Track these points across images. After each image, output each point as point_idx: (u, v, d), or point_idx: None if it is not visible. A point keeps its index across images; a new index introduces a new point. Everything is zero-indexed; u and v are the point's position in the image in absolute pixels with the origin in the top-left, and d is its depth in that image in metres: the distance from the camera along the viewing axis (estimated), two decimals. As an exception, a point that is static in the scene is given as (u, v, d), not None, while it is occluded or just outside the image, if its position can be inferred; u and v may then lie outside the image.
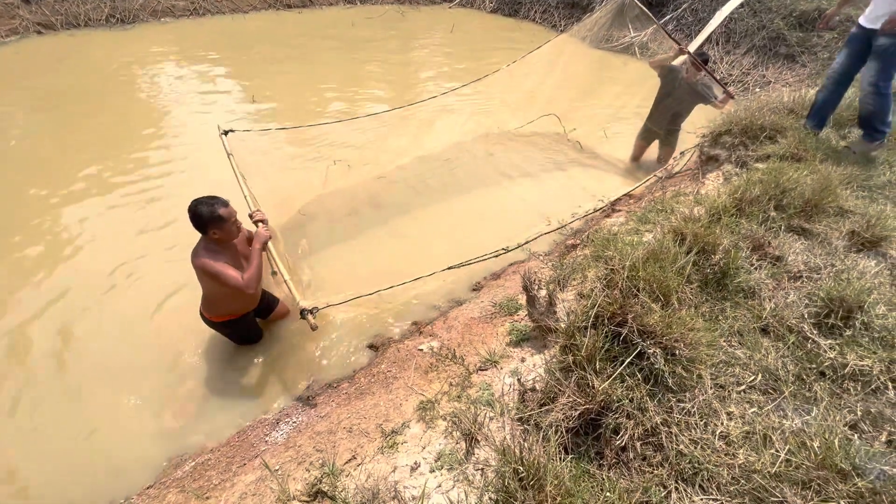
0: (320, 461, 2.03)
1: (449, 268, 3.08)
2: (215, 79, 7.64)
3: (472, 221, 4.41)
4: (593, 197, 4.10)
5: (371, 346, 3.17)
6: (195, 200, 2.46)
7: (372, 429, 2.17)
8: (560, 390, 1.55)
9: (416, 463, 1.79)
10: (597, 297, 1.79)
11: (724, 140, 3.57)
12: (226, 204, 2.52)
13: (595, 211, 3.43)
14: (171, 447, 2.59)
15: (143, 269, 3.67)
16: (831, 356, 1.66)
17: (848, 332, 1.75)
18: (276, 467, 2.13)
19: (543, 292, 2.26)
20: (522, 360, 2.25)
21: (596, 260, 2.28)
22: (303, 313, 2.48)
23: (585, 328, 1.73)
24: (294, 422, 2.56)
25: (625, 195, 4.01)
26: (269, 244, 2.76)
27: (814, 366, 1.68)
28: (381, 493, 1.64)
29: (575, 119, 6.14)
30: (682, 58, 4.49)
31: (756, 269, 2.14)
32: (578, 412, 1.44)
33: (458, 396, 2.15)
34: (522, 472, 1.24)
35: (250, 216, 2.90)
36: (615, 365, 1.58)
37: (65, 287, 3.50)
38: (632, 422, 1.42)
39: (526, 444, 1.32)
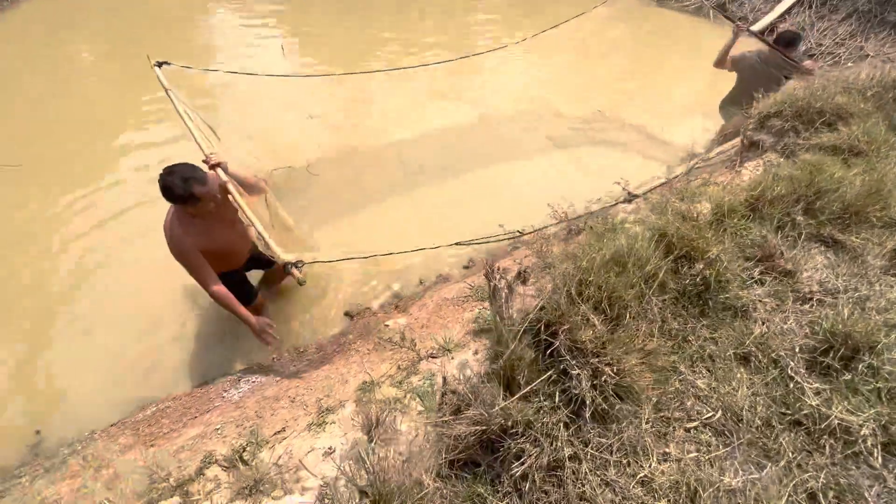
0: (252, 428, 2.02)
1: (456, 244, 2.89)
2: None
3: (490, 196, 4.14)
4: (619, 184, 3.71)
5: (347, 314, 3.11)
6: (167, 169, 2.17)
7: (312, 402, 2.12)
8: (472, 400, 1.38)
9: (331, 448, 1.72)
10: (544, 299, 1.57)
11: (772, 123, 3.03)
12: (203, 180, 2.20)
13: (613, 204, 3.08)
14: (148, 391, 2.72)
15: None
16: (813, 403, 1.37)
17: (846, 377, 1.43)
18: (218, 426, 2.16)
19: (503, 283, 2.04)
20: (475, 352, 2.09)
21: (568, 256, 2.02)
22: (286, 267, 2.27)
23: (528, 333, 1.53)
24: (254, 381, 2.58)
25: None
26: (234, 190, 2.44)
27: (790, 411, 1.39)
28: (281, 474, 1.59)
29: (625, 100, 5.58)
30: (748, 41, 3.84)
31: (755, 283, 1.80)
32: (480, 430, 1.28)
33: (400, 382, 2.03)
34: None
35: (205, 162, 2.46)
36: (545, 381, 1.38)
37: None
38: (537, 450, 1.23)
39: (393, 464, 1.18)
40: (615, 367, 1.27)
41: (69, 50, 6.65)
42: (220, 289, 2.41)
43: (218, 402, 2.46)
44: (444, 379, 1.63)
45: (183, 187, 2.16)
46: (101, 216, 3.77)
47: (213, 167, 2.44)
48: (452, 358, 2.09)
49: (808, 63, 3.93)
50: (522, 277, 1.99)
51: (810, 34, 6.95)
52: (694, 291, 1.67)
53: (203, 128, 3.01)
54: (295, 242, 3.30)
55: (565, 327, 1.37)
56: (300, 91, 5.47)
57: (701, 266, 1.65)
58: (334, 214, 3.89)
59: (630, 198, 3.50)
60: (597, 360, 1.31)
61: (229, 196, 2.42)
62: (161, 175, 2.18)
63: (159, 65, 3.29)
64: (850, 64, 6.43)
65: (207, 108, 5.34)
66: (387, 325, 2.67)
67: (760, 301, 1.72)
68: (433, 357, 2.15)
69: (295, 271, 2.24)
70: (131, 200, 3.88)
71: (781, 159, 2.92)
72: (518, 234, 3.13)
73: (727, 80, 4.29)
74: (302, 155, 4.43)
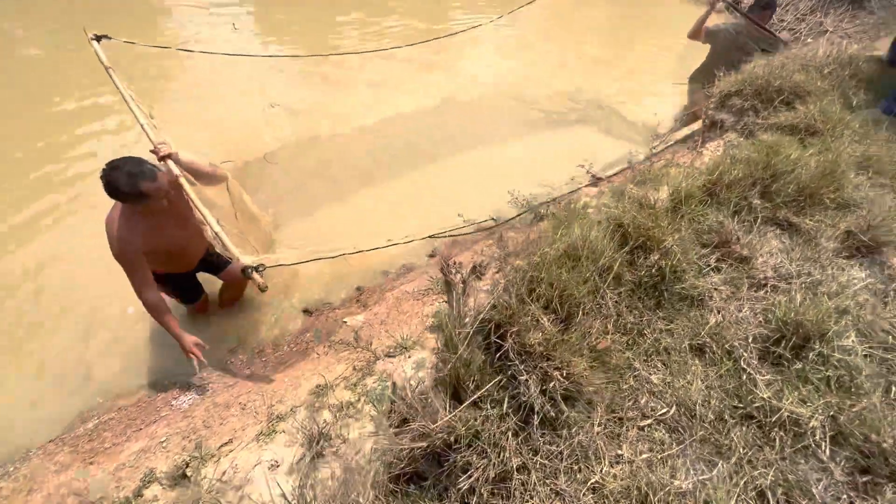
0: (198, 440, 1.90)
1: (430, 236, 2.78)
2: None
3: (462, 184, 4.02)
4: (583, 167, 3.65)
5: (306, 311, 2.99)
6: (111, 164, 1.94)
7: (263, 409, 2.01)
8: (418, 410, 1.30)
9: (277, 461, 1.62)
10: (496, 297, 1.49)
11: (732, 102, 3.00)
12: (152, 176, 1.97)
13: (576, 189, 3.01)
14: (88, 399, 2.55)
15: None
16: (765, 396, 1.35)
17: (797, 366, 1.41)
18: (163, 438, 2.03)
19: (458, 279, 1.96)
20: (434, 350, 2.01)
21: (523, 249, 1.94)
22: (245, 271, 2.04)
23: (479, 333, 1.45)
24: (203, 387, 2.44)
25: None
26: (187, 186, 2.22)
27: (742, 405, 1.37)
28: (223, 492, 1.49)
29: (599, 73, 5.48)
30: (721, 15, 3.79)
31: (712, 271, 1.77)
32: (424, 445, 1.20)
33: (355, 385, 1.95)
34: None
35: (153, 152, 2.22)
36: (494, 386, 1.31)
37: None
38: (484, 462, 1.17)
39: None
40: (564, 371, 1.21)
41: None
42: (155, 297, 2.23)
43: (165, 412, 2.32)
44: (394, 385, 1.55)
45: (129, 184, 1.93)
46: (35, 211, 3.48)
47: (162, 159, 2.20)
48: (409, 357, 2.01)
49: (784, 34, 3.91)
50: (478, 273, 1.91)
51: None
52: (650, 283, 1.63)
53: (139, 114, 2.65)
54: (261, 236, 3.13)
55: (514, 329, 1.30)
56: (261, 75, 5.16)
57: (656, 257, 1.60)
58: (299, 210, 3.70)
59: (594, 181, 3.47)
60: (546, 363, 1.24)
61: (183, 191, 2.20)
62: (104, 170, 1.94)
63: (97, 38, 2.92)
64: (809, 39, 6.50)
65: (153, 92, 5.00)
66: (345, 322, 2.56)
67: (716, 289, 1.69)
68: (390, 357, 2.06)
69: (256, 276, 2.03)
70: (67, 196, 3.60)
71: (741, 139, 2.91)
72: (492, 221, 3.05)
73: (699, 55, 4.25)
74: (262, 146, 4.20)
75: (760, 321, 1.58)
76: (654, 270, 1.62)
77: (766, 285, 1.71)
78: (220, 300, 2.94)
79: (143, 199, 2.01)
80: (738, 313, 1.62)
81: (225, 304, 2.95)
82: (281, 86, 5.13)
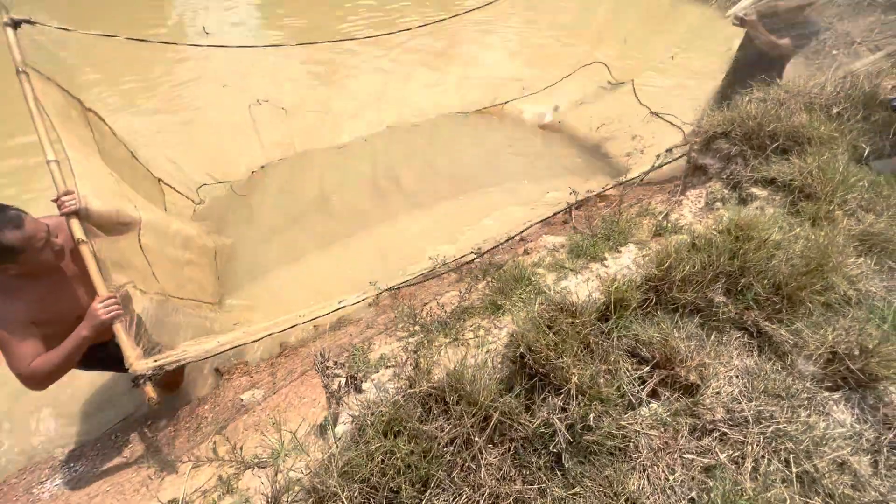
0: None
1: (389, 289, 2.38)
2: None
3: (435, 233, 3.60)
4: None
5: (217, 371, 2.65)
6: None
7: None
8: None
9: None
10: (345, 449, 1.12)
11: (718, 146, 2.53)
12: (18, 222, 1.61)
13: (507, 240, 2.60)
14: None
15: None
16: None
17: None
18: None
19: (342, 378, 1.58)
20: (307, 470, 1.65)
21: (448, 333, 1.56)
22: (136, 382, 1.67)
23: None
24: (76, 470, 2.13)
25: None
26: (89, 255, 1.80)
27: None
28: None
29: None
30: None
31: (644, 401, 1.36)
32: None
33: (212, 505, 1.60)
34: None
35: (56, 202, 1.86)
36: None
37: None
38: None
39: None
40: None
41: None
42: (38, 363, 1.73)
43: (27, 499, 2.03)
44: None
45: None
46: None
47: (66, 217, 1.83)
48: (280, 471, 1.66)
49: (785, 41, 3.39)
50: (355, 384, 1.52)
51: (794, 17, 6.32)
52: (549, 433, 1.22)
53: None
54: (203, 278, 2.80)
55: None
56: (247, 68, 4.73)
57: (558, 401, 1.19)
58: (273, 259, 3.32)
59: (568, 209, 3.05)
60: None
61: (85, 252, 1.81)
62: None
63: (15, 24, 2.12)
64: (834, 52, 5.88)
65: (108, 96, 4.64)
66: (241, 400, 2.22)
67: (645, 434, 1.28)
68: (260, 467, 1.71)
69: (147, 389, 1.65)
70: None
71: (727, 191, 2.46)
72: (445, 266, 2.66)
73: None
74: (242, 161, 3.85)
75: (696, 494, 1.17)
76: (557, 416, 1.22)
77: (712, 431, 1.29)
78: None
79: (12, 256, 1.62)
80: (669, 477, 1.21)
81: (169, 387, 2.45)
82: (270, 80, 4.70)
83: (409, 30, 3.86)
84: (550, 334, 1.30)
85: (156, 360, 1.61)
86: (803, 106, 2.49)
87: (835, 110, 2.46)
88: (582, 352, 1.32)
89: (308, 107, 4.41)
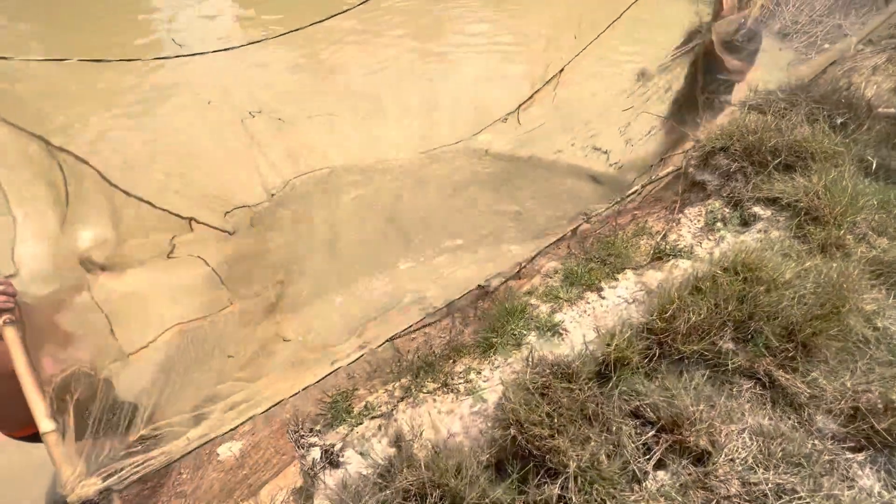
0: None
1: (387, 340, 2.20)
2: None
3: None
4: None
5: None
6: None
7: None
8: None
9: None
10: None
11: (717, 161, 2.40)
12: None
13: (519, 270, 2.44)
14: None
15: None
16: None
17: None
18: None
19: (316, 452, 1.44)
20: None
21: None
22: None
23: None
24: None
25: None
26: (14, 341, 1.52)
27: None
28: None
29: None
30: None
31: (652, 471, 1.22)
32: None
33: None
34: None
35: None
36: None
37: None
38: None
39: None
40: None
41: None
42: None
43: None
44: None
45: None
46: None
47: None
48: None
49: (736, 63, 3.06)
50: (330, 458, 1.38)
51: (784, 10, 6.21)
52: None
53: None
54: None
55: None
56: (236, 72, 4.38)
57: (556, 489, 1.06)
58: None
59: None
60: None
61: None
62: None
63: None
64: (826, 46, 5.76)
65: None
66: (217, 456, 2.07)
67: (653, 515, 1.15)
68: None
69: None
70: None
71: (727, 209, 2.33)
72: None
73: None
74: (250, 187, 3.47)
75: (712, 591, 1.03)
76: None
77: (729, 508, 1.16)
78: None
79: None
80: (682, 568, 1.08)
81: None
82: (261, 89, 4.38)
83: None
84: (544, 404, 1.16)
85: (104, 479, 1.37)
86: (805, 117, 2.36)
87: (839, 121, 2.33)
88: (580, 421, 1.18)
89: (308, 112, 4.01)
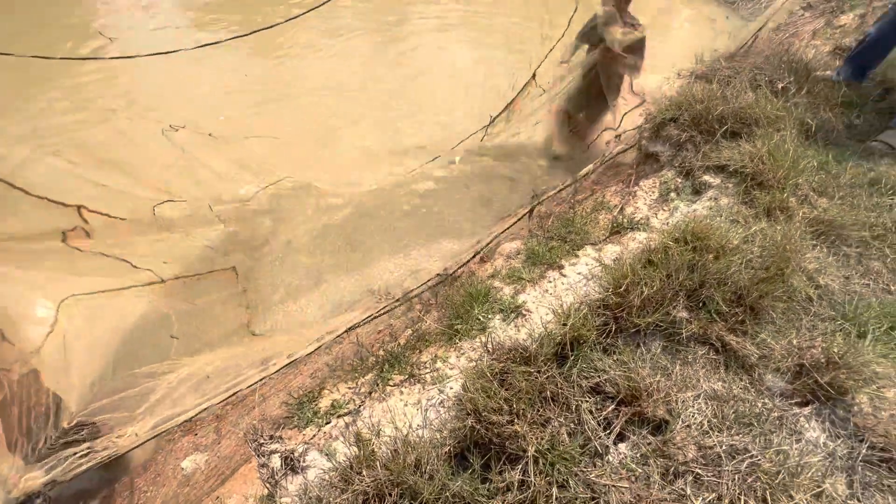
0: None
1: (346, 330, 2.14)
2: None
3: None
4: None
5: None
6: None
7: None
8: None
9: None
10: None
11: (668, 132, 2.43)
12: None
13: (475, 255, 2.42)
14: None
15: None
16: None
17: None
18: None
19: (276, 460, 1.39)
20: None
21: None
22: None
23: None
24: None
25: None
26: None
27: None
28: None
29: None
30: None
31: (613, 443, 1.24)
32: None
33: None
34: None
35: None
36: None
37: None
38: None
39: None
40: None
41: None
42: None
43: None
44: None
45: None
46: None
47: None
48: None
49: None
50: (291, 465, 1.34)
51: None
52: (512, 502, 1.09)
53: None
54: None
55: None
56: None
57: (517, 475, 1.05)
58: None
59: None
60: None
61: None
62: None
63: None
64: (764, 4, 5.90)
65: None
66: (183, 469, 1.99)
67: (614, 488, 1.17)
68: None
69: None
70: None
71: (680, 179, 2.36)
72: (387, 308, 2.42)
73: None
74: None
75: (673, 556, 1.06)
76: (515, 488, 1.08)
77: (685, 474, 1.19)
78: None
79: None
80: (644, 535, 1.10)
81: None
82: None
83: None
84: (502, 391, 1.15)
85: (47, 472, 1.32)
86: (748, 84, 2.41)
87: (779, 85, 2.39)
88: (539, 404, 1.18)
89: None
